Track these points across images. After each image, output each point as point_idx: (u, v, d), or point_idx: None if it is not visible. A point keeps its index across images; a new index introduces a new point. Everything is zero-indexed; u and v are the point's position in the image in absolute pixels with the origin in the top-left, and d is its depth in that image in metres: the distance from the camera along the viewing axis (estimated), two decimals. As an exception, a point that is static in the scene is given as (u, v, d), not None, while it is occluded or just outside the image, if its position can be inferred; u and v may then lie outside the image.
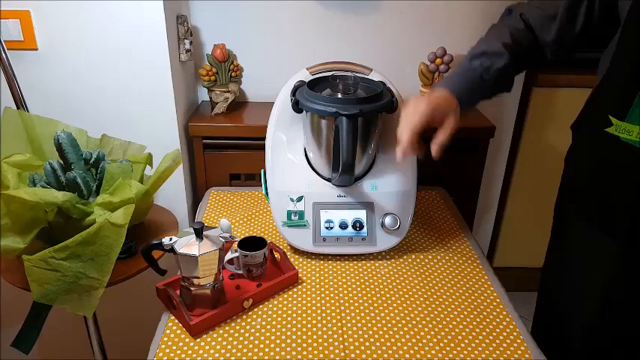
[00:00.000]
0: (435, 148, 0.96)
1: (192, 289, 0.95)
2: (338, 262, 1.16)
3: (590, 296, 0.99)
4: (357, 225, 1.15)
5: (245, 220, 1.32)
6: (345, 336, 0.94)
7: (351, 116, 1.03)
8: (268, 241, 1.10)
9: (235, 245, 1.07)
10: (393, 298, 1.04)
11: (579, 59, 1.32)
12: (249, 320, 0.98)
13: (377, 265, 1.15)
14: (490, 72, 1.00)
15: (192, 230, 0.94)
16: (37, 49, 1.34)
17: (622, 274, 0.94)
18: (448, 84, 1.01)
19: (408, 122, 0.95)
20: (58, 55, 1.35)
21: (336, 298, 1.04)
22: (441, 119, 0.96)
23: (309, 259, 1.16)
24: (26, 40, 1.32)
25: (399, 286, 1.08)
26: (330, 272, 1.12)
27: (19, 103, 1.19)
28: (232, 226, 1.27)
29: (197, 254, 0.90)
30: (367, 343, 0.93)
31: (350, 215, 1.16)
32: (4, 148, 1.13)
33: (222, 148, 1.55)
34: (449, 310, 1.02)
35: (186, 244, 0.92)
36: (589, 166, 0.96)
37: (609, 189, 0.91)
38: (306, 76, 1.20)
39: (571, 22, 0.95)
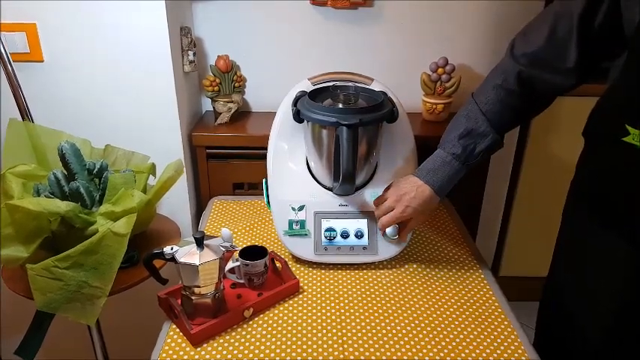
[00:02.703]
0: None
1: (193, 298, 0.95)
2: (339, 271, 1.16)
3: (608, 307, 0.97)
4: (359, 234, 1.16)
5: (247, 229, 1.33)
6: (346, 345, 0.94)
7: (352, 126, 1.03)
8: (269, 251, 1.10)
9: (236, 254, 1.07)
10: (394, 308, 1.04)
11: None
12: (249, 329, 0.98)
13: (378, 274, 1.15)
14: (474, 153, 1.05)
15: (193, 239, 0.94)
16: (42, 61, 1.35)
17: (638, 282, 0.93)
18: (433, 181, 1.07)
19: (381, 222, 1.12)
20: (63, 67, 1.37)
21: (337, 307, 1.04)
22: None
23: (310, 269, 1.16)
24: (32, 52, 1.33)
25: (401, 296, 1.08)
26: (332, 281, 1.12)
27: (24, 113, 1.21)
28: (234, 235, 1.28)
29: (197, 263, 0.91)
30: (367, 353, 0.93)
31: (351, 224, 1.16)
32: (9, 158, 1.14)
33: (226, 157, 1.55)
34: (450, 319, 1.01)
35: (187, 254, 0.92)
36: (604, 172, 0.95)
37: (626, 196, 0.90)
38: (308, 87, 1.21)
39: (589, 24, 0.91)
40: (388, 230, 1.13)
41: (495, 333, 0.98)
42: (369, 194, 1.18)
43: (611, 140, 0.88)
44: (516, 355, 0.93)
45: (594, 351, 1.01)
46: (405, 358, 0.92)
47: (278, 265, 1.12)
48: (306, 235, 1.15)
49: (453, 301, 1.07)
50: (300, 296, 1.08)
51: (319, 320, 1.01)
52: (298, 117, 1.13)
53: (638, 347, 0.99)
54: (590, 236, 0.99)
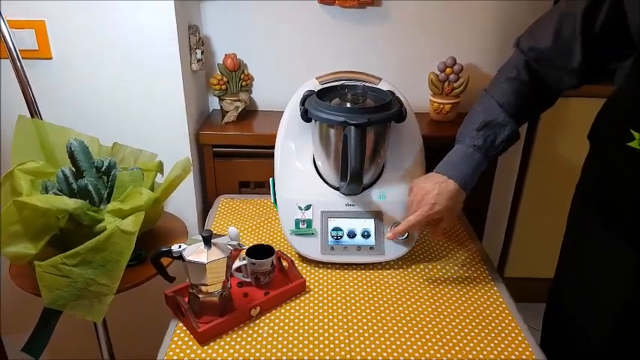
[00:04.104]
0: (434, 236, 1.13)
1: (200, 296, 0.95)
2: (346, 270, 1.16)
3: (610, 308, 0.97)
4: (365, 234, 1.15)
5: (254, 227, 1.33)
6: (352, 345, 0.94)
7: (360, 125, 1.03)
8: (276, 249, 1.10)
9: (243, 253, 1.07)
10: (401, 308, 1.04)
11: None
12: (256, 328, 0.98)
13: (385, 274, 1.15)
14: (495, 144, 1.04)
15: (200, 238, 0.94)
16: (51, 58, 1.36)
17: None
18: (457, 174, 1.05)
19: (407, 222, 1.07)
20: (72, 65, 1.37)
21: (344, 307, 1.04)
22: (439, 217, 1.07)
23: (316, 268, 1.16)
24: (41, 49, 1.34)
25: (407, 296, 1.08)
26: (338, 281, 1.12)
27: (33, 111, 1.21)
28: (241, 233, 1.28)
29: (205, 262, 0.91)
30: (374, 353, 0.92)
31: (358, 224, 1.16)
32: (18, 155, 1.14)
33: (232, 156, 1.56)
34: (457, 320, 1.01)
35: (195, 252, 0.92)
36: (609, 176, 0.95)
37: (631, 200, 0.90)
38: (316, 86, 1.21)
39: (591, 25, 0.91)
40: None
41: (503, 334, 0.98)
42: (376, 194, 1.18)
43: (616, 144, 0.88)
44: (524, 357, 0.92)
45: (596, 351, 1.01)
46: (412, 358, 0.92)
47: (285, 264, 1.12)
48: (312, 234, 1.15)
49: (460, 302, 1.06)
50: (307, 295, 1.08)
51: (325, 320, 1.01)
52: (306, 116, 1.13)
53: (639, 348, 0.98)
54: (595, 238, 0.99)
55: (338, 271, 1.16)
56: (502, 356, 0.92)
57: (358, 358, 0.91)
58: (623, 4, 0.85)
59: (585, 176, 1.04)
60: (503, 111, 1.03)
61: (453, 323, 1.00)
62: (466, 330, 0.99)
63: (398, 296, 1.08)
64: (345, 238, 1.15)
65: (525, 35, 1.04)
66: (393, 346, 0.94)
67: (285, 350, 0.93)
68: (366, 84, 1.21)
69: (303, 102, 1.16)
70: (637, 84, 0.85)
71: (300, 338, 0.96)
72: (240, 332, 0.97)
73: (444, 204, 1.04)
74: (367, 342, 0.95)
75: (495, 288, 1.11)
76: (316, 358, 0.91)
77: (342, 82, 1.21)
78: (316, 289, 1.09)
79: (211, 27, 1.62)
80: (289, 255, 1.15)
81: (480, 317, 1.02)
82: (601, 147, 0.98)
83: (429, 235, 1.30)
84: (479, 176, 1.06)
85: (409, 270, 1.17)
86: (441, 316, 1.02)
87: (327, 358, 0.91)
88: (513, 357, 0.92)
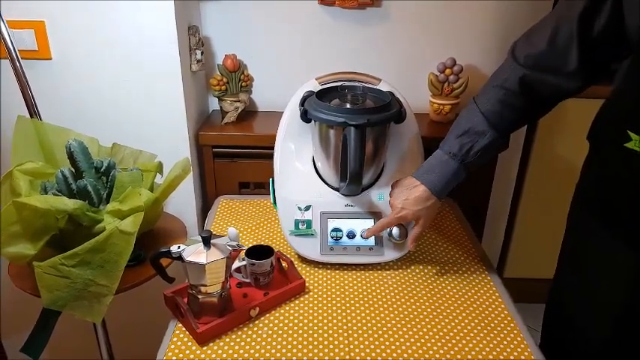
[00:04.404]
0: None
1: (199, 297, 0.95)
2: (345, 271, 1.16)
3: (609, 309, 0.97)
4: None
5: (253, 228, 1.33)
6: (352, 346, 0.94)
7: (359, 126, 1.03)
8: (276, 250, 1.10)
9: (243, 254, 1.07)
10: (400, 309, 1.04)
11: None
12: (255, 329, 0.98)
13: (384, 275, 1.15)
14: (471, 152, 1.03)
15: (200, 239, 0.94)
16: (50, 59, 1.36)
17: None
18: (428, 180, 1.05)
19: (380, 223, 1.11)
20: (72, 65, 1.37)
21: (343, 307, 1.04)
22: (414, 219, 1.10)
23: (316, 268, 1.16)
24: (40, 49, 1.34)
25: (406, 297, 1.08)
26: (337, 282, 1.12)
27: (32, 111, 1.21)
28: (240, 234, 1.28)
29: (204, 262, 0.91)
30: (374, 354, 0.92)
31: (358, 225, 1.16)
32: (18, 155, 1.14)
33: (232, 156, 1.56)
34: (456, 321, 1.01)
35: (194, 253, 0.92)
36: (608, 178, 0.95)
37: (629, 201, 0.90)
38: (315, 86, 1.21)
39: (588, 27, 0.90)
40: (394, 231, 1.13)
41: (502, 335, 0.98)
42: (376, 195, 1.18)
43: (614, 146, 0.88)
44: (523, 357, 0.92)
45: (596, 352, 1.01)
46: (411, 359, 0.92)
47: (284, 264, 1.12)
48: (312, 235, 1.15)
49: (459, 302, 1.06)
50: (306, 296, 1.08)
51: (325, 320, 1.01)
52: (306, 117, 1.13)
53: (638, 349, 0.99)
54: (594, 239, 0.99)
55: (337, 271, 1.16)
56: (501, 357, 0.92)
57: (357, 358, 0.91)
58: (622, 5, 0.85)
59: (584, 177, 1.04)
60: (484, 119, 1.02)
61: (453, 324, 1.00)
62: (465, 330, 0.99)
63: (397, 297, 1.08)
64: (345, 238, 1.15)
65: (522, 41, 1.01)
66: (393, 347, 0.94)
67: (284, 351, 0.93)
68: (366, 85, 1.21)
69: (302, 103, 1.16)
70: (634, 85, 0.85)
71: (300, 339, 0.96)
72: (239, 333, 0.97)
73: (411, 209, 1.06)
74: (366, 342, 0.95)
75: (495, 288, 1.11)
76: (315, 358, 0.91)
77: (342, 82, 1.21)
78: (315, 290, 1.09)
79: (211, 28, 1.62)
80: (289, 256, 1.15)
81: (480, 318, 1.02)
82: (600, 148, 0.98)
83: (429, 236, 1.30)
84: (455, 184, 1.06)
85: (408, 271, 1.17)
86: (441, 317, 1.02)
87: (327, 358, 0.91)
88: (512, 357, 0.92)
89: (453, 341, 0.96)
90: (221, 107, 1.62)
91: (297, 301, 1.06)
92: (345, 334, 0.97)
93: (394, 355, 0.92)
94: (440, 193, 1.06)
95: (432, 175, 1.05)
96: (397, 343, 0.95)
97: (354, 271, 1.16)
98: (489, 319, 1.02)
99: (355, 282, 1.12)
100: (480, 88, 1.07)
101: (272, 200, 1.23)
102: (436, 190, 1.05)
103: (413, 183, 1.07)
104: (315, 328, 0.98)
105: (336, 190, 1.18)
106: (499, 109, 1.01)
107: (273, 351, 0.93)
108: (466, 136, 1.03)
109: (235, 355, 0.91)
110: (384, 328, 0.99)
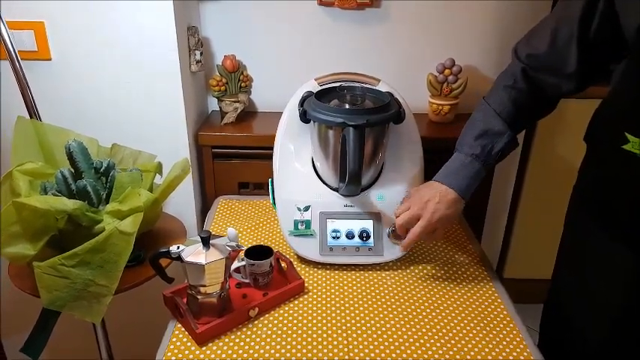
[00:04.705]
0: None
1: (198, 297, 0.95)
2: (344, 272, 1.16)
3: (607, 310, 0.97)
4: (364, 235, 1.15)
5: (252, 228, 1.33)
6: (351, 346, 0.94)
7: (358, 127, 1.03)
8: (275, 250, 1.10)
9: (242, 254, 1.07)
10: (400, 309, 1.04)
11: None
12: (254, 329, 0.98)
13: (383, 275, 1.15)
14: (493, 153, 1.04)
15: (199, 239, 0.94)
16: (50, 60, 1.36)
17: (638, 286, 0.93)
18: (456, 183, 1.05)
19: (412, 232, 1.07)
20: (71, 66, 1.37)
21: (342, 308, 1.04)
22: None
23: (315, 269, 1.16)
24: (40, 50, 1.34)
25: (406, 297, 1.08)
26: (337, 282, 1.12)
27: (32, 112, 1.21)
28: (240, 234, 1.28)
29: (204, 263, 0.91)
30: (373, 354, 0.93)
31: (357, 225, 1.16)
32: (17, 156, 1.14)
33: (231, 157, 1.56)
34: (455, 322, 1.01)
35: (193, 253, 0.93)
36: (606, 179, 0.95)
37: (627, 202, 0.90)
38: (314, 87, 1.21)
39: (587, 28, 0.91)
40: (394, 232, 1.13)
41: (501, 335, 0.98)
42: (375, 195, 1.18)
43: (612, 147, 0.88)
44: (522, 357, 0.93)
45: (594, 353, 1.01)
46: (411, 359, 0.92)
47: (283, 265, 1.12)
48: (311, 235, 1.15)
49: (458, 302, 1.07)
50: (305, 296, 1.08)
51: (324, 320, 1.01)
52: (305, 117, 1.14)
53: (636, 350, 0.99)
54: (592, 240, 0.99)
55: (337, 272, 1.16)
56: (500, 357, 0.93)
57: (357, 359, 0.92)
58: (614, 5, 0.85)
59: (582, 178, 1.04)
60: (501, 120, 1.03)
61: (452, 324, 1.00)
62: (465, 331, 0.99)
63: (396, 297, 1.08)
64: (344, 239, 1.15)
65: (522, 42, 1.04)
66: (392, 347, 0.94)
67: (283, 351, 0.93)
68: (365, 85, 1.21)
69: (302, 103, 1.16)
70: (630, 86, 0.85)
71: (299, 339, 0.96)
72: (238, 333, 0.97)
73: (443, 212, 1.05)
74: (366, 343, 0.95)
75: (494, 289, 1.11)
76: (315, 359, 0.91)
77: (341, 83, 1.21)
78: (315, 290, 1.09)
79: (210, 28, 1.62)
80: (288, 256, 1.15)
81: (479, 318, 1.02)
82: (597, 149, 0.99)
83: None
84: (477, 184, 1.07)
85: (408, 271, 1.17)
86: (440, 317, 1.02)
87: (326, 359, 0.91)
88: (511, 358, 0.92)
89: (453, 341, 0.96)
90: (220, 108, 1.62)
91: (296, 302, 1.06)
92: (345, 335, 0.97)
93: (393, 355, 0.92)
94: (467, 195, 1.06)
95: (457, 178, 1.06)
96: (396, 344, 0.95)
97: (353, 272, 1.16)
98: (489, 319, 1.02)
99: (354, 282, 1.12)
100: (489, 90, 1.08)
101: (271, 200, 1.23)
102: (464, 192, 1.06)
103: (439, 187, 1.06)
104: (315, 328, 0.99)
105: (336, 190, 1.18)
106: (512, 109, 1.03)
107: (273, 351, 0.93)
108: (485, 138, 1.04)
109: (234, 356, 0.92)
110: (383, 329, 0.99)
